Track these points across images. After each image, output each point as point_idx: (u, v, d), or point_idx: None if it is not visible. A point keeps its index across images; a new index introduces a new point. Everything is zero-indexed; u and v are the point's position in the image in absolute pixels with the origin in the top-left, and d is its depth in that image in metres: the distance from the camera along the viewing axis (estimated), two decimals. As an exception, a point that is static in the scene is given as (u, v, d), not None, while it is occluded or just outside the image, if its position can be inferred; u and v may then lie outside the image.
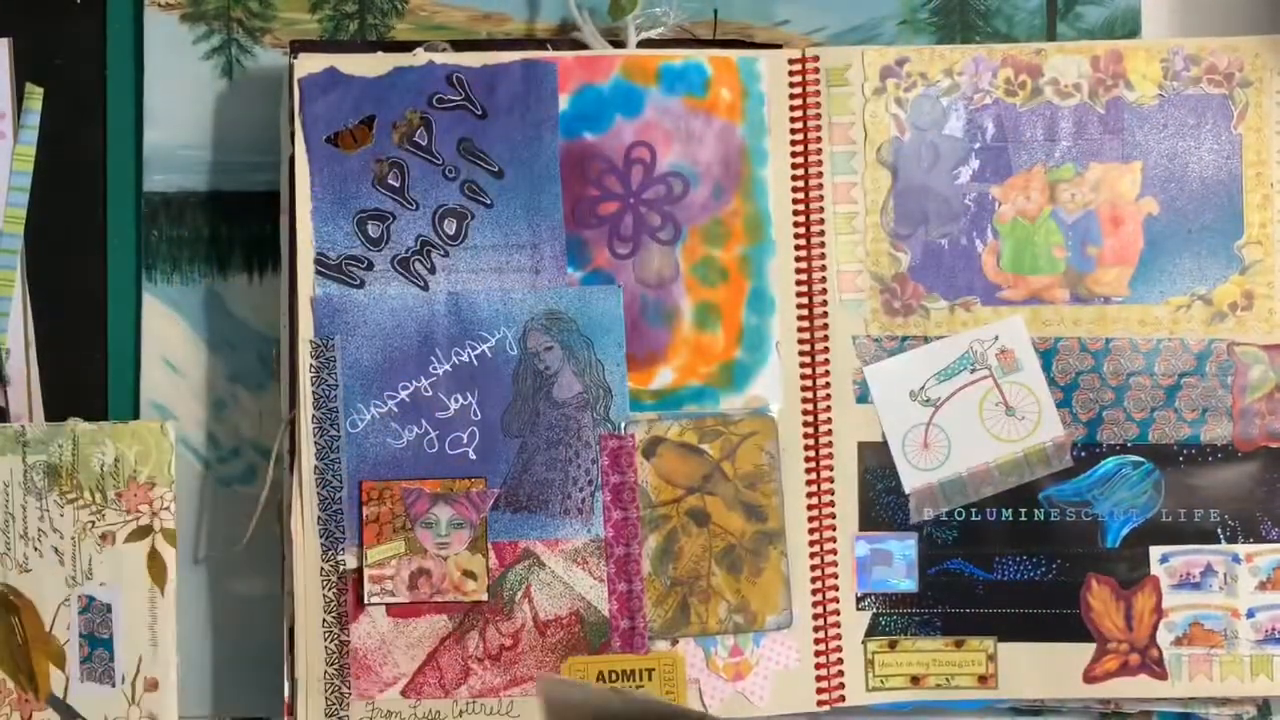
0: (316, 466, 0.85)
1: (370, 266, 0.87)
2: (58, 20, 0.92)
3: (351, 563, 0.85)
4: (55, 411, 0.90)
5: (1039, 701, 0.90)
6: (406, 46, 0.89)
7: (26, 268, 0.91)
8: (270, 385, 0.90)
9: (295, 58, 0.87)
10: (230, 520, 0.88)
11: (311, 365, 0.86)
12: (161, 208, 0.92)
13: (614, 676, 0.86)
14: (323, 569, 0.85)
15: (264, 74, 0.92)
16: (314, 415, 0.85)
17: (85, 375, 0.91)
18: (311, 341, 0.86)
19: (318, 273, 0.86)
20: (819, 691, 0.88)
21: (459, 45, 0.90)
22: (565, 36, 0.92)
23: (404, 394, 0.86)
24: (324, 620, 0.85)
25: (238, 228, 0.91)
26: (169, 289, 0.91)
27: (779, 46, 0.91)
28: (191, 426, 0.90)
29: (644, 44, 0.91)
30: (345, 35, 0.91)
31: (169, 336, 0.91)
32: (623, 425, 0.87)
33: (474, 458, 0.86)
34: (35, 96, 0.91)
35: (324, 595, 0.85)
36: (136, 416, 0.90)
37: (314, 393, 0.85)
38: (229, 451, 0.90)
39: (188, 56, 0.92)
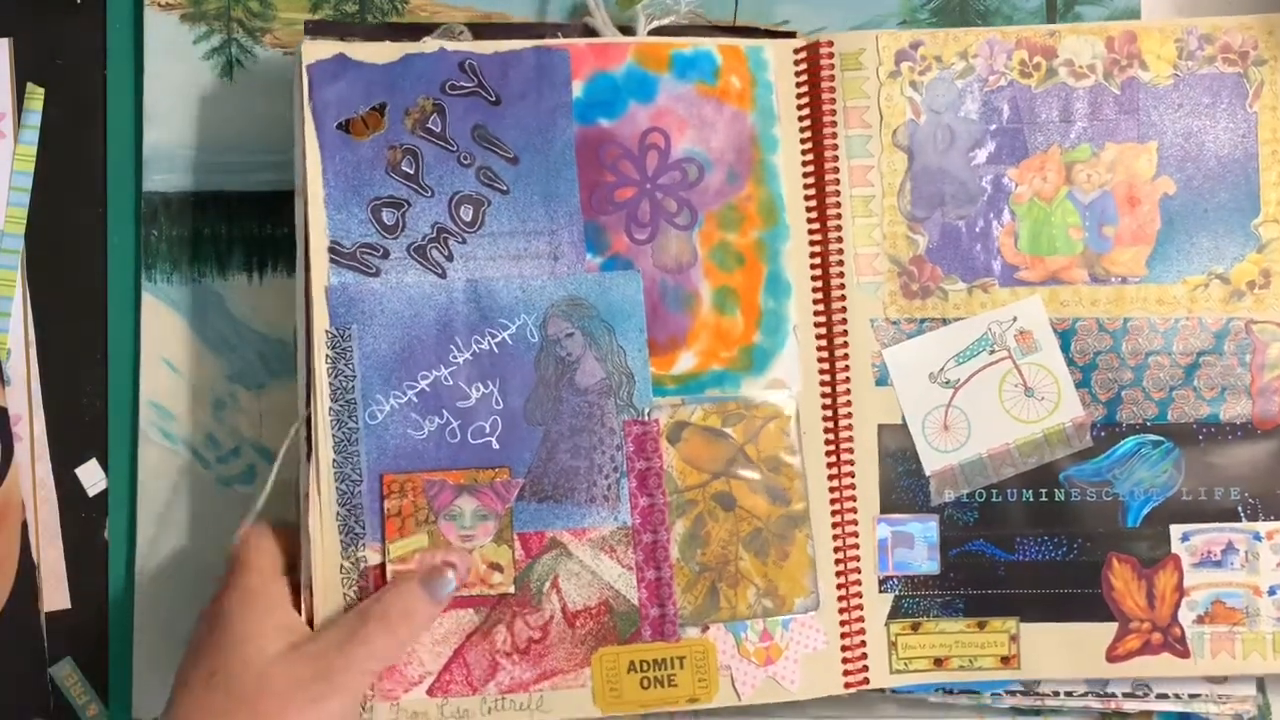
0: (335, 460, 0.73)
1: (386, 255, 0.75)
2: (58, 20, 0.81)
3: (373, 558, 0.73)
4: (55, 411, 0.80)
5: (1042, 697, 0.80)
6: (426, 29, 0.78)
7: (26, 268, 0.80)
8: (270, 385, 0.79)
9: (311, 39, 0.76)
10: (230, 520, 0.76)
11: (328, 356, 0.74)
12: (161, 208, 0.80)
13: (644, 666, 0.75)
14: (343, 565, 0.73)
15: (264, 74, 0.80)
16: (331, 407, 0.73)
17: (85, 375, 0.80)
18: (327, 331, 0.74)
19: (332, 261, 0.74)
20: (845, 674, 0.77)
21: (475, 28, 0.78)
22: (577, 23, 0.80)
23: (424, 383, 0.74)
24: (345, 618, 0.73)
25: (238, 228, 0.80)
26: (169, 289, 0.80)
27: (792, 35, 0.80)
28: (191, 426, 0.79)
29: (655, 32, 0.79)
30: (345, 35, 0.80)
31: (169, 336, 0.80)
32: (646, 411, 0.76)
33: (497, 447, 0.74)
34: (35, 96, 0.81)
35: (344, 593, 0.73)
36: (136, 416, 0.79)
37: (331, 384, 0.73)
38: (229, 452, 0.79)
39: (188, 56, 0.81)
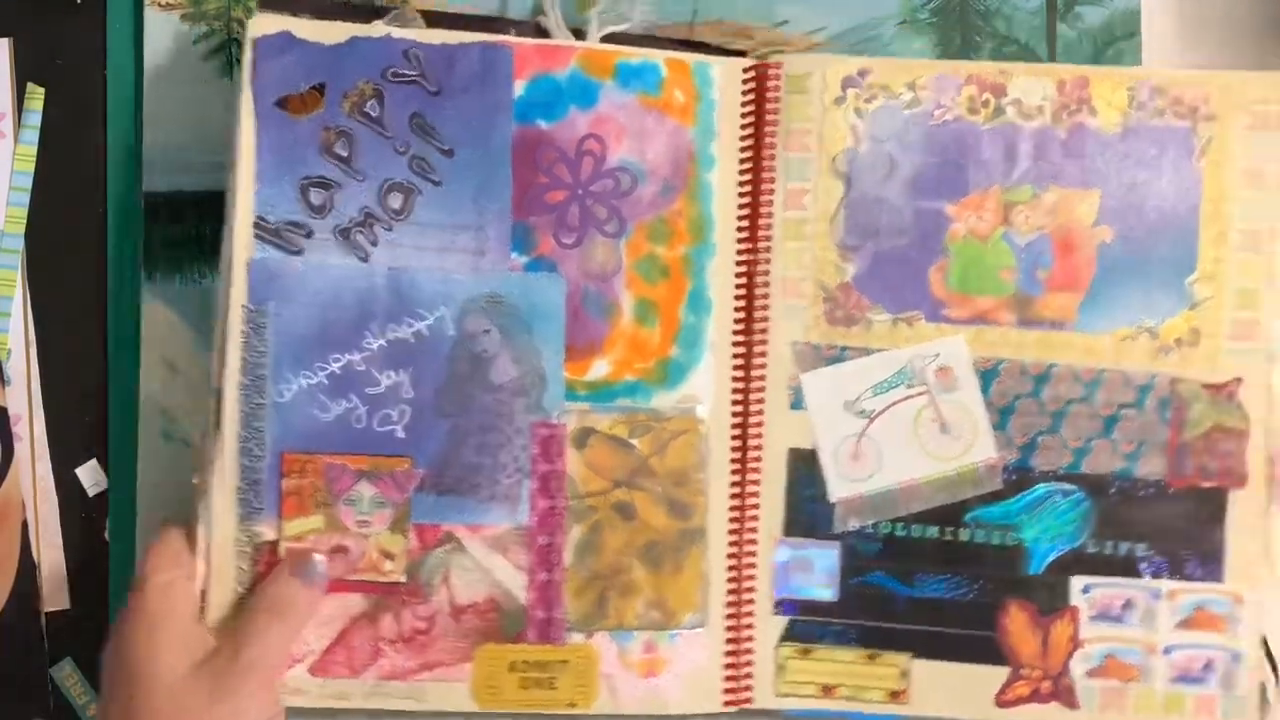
0: (240, 434, 0.73)
1: (311, 234, 0.75)
2: (58, 20, 0.81)
3: (268, 534, 0.74)
4: (55, 411, 0.80)
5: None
6: (382, 11, 0.77)
7: (26, 268, 0.80)
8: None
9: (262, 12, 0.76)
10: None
11: (243, 330, 0.73)
12: (162, 208, 0.80)
13: (525, 666, 0.75)
14: (238, 539, 0.73)
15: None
16: (241, 382, 0.73)
17: (85, 375, 0.80)
18: (245, 306, 0.73)
19: (256, 236, 0.74)
20: (726, 692, 0.76)
21: (430, 16, 0.78)
22: (532, 21, 0.79)
23: (335, 366, 0.74)
24: (236, 590, 0.73)
25: (237, 227, 0.79)
26: (169, 289, 0.79)
27: (742, 54, 0.79)
28: (191, 427, 0.79)
29: (607, 39, 0.79)
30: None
31: (169, 336, 0.79)
32: (555, 414, 0.75)
33: (402, 436, 0.74)
34: (35, 96, 0.80)
35: (238, 566, 0.73)
36: (136, 416, 0.79)
37: (243, 359, 0.73)
38: None
39: (188, 56, 0.80)
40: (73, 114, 0.81)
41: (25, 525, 0.79)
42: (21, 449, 0.79)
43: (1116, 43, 0.83)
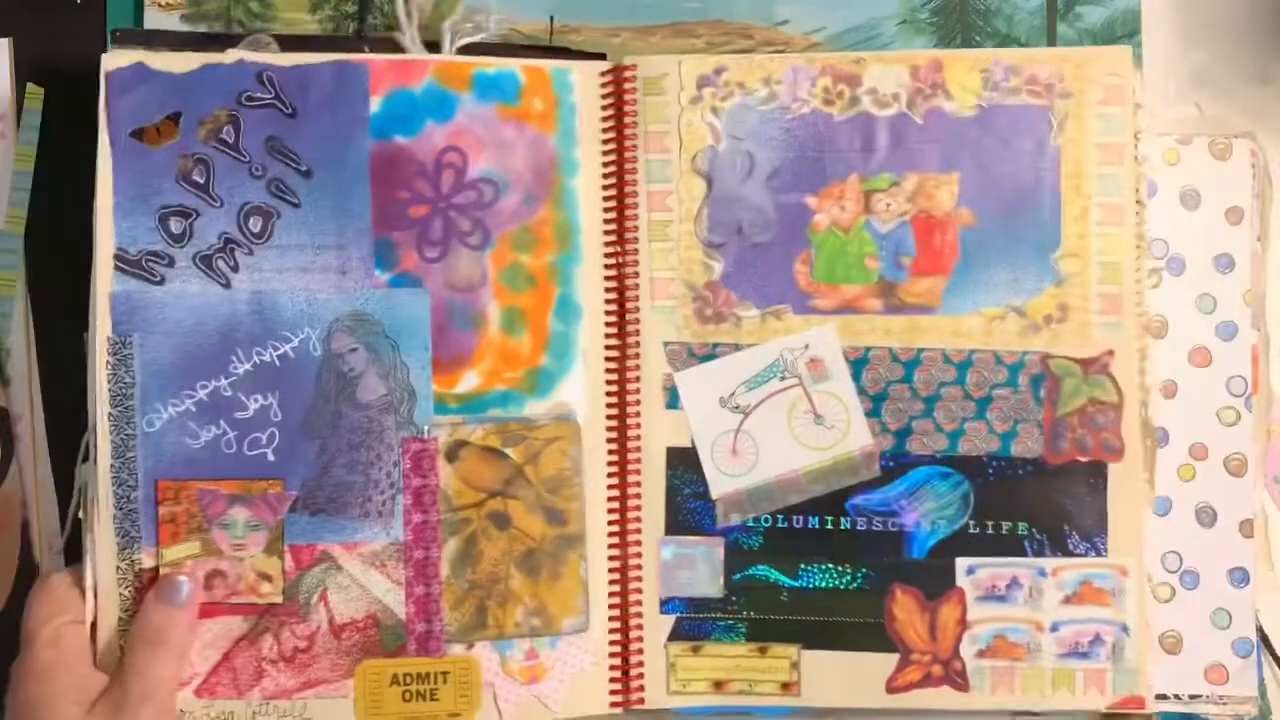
0: (113, 465, 0.74)
1: (172, 263, 0.75)
2: (58, 20, 0.81)
3: (148, 562, 0.74)
4: (55, 411, 0.80)
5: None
6: (237, 38, 0.77)
7: (27, 268, 0.80)
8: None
9: (115, 48, 0.76)
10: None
11: (109, 362, 0.74)
12: None
13: (407, 679, 0.74)
14: (119, 567, 0.73)
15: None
16: (110, 414, 0.74)
17: (85, 375, 0.78)
18: (109, 338, 0.74)
19: (117, 268, 0.74)
20: (615, 694, 0.77)
21: (284, 40, 0.78)
22: (388, 37, 0.79)
23: (202, 393, 0.74)
24: (120, 619, 0.73)
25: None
26: None
27: (601, 57, 0.79)
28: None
29: (464, 50, 0.79)
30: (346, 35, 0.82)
31: None
32: (426, 428, 0.75)
33: (273, 459, 0.74)
34: (35, 96, 0.81)
35: (120, 594, 0.73)
36: None
37: (111, 390, 0.74)
38: None
39: None
40: (73, 114, 0.80)
41: (25, 525, 0.79)
42: (22, 449, 0.79)
43: (1117, 42, 0.82)
